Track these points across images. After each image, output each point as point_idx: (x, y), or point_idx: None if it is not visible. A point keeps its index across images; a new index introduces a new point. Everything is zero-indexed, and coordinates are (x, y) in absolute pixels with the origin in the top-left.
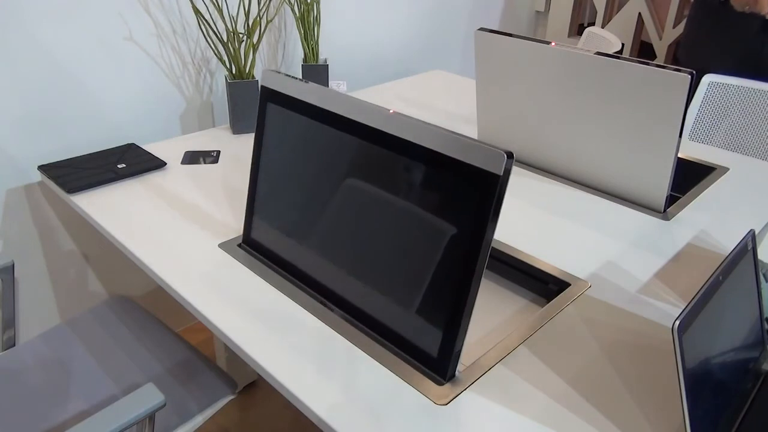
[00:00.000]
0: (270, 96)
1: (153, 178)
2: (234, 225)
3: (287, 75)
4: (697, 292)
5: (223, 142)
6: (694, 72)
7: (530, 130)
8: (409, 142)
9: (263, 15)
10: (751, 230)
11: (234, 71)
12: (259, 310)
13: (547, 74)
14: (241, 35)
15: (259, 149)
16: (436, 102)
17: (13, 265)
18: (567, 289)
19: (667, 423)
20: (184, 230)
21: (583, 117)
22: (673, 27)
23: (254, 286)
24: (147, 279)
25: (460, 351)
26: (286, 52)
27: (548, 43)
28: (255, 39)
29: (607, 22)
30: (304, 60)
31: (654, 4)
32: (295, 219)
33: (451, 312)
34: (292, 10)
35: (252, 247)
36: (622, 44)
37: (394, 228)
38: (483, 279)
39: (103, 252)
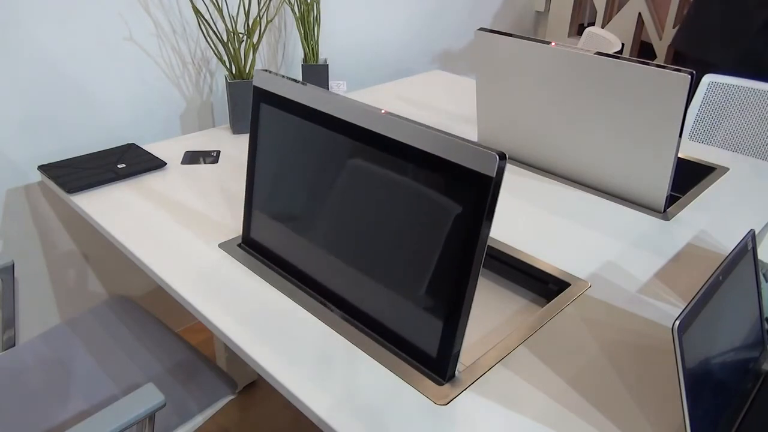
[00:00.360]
0: (263, 96)
1: (153, 178)
2: (234, 225)
3: (279, 75)
4: (697, 292)
5: (223, 142)
6: (694, 72)
7: (530, 130)
8: (401, 143)
9: (263, 15)
10: (751, 230)
11: (234, 71)
12: (259, 310)
13: (547, 74)
14: (241, 35)
15: (254, 149)
16: (436, 102)
17: (13, 265)
18: (567, 289)
19: (667, 423)
20: (184, 230)
21: (583, 117)
22: (673, 27)
23: (254, 286)
24: (147, 279)
25: (459, 351)
26: (286, 52)
27: (548, 43)
28: (255, 39)
29: (607, 22)
30: (304, 60)
31: (654, 4)
32: (292, 219)
33: (448, 312)
34: (292, 10)
35: (251, 246)
36: (622, 44)
37: (390, 228)
38: (483, 279)
39: (103, 252)
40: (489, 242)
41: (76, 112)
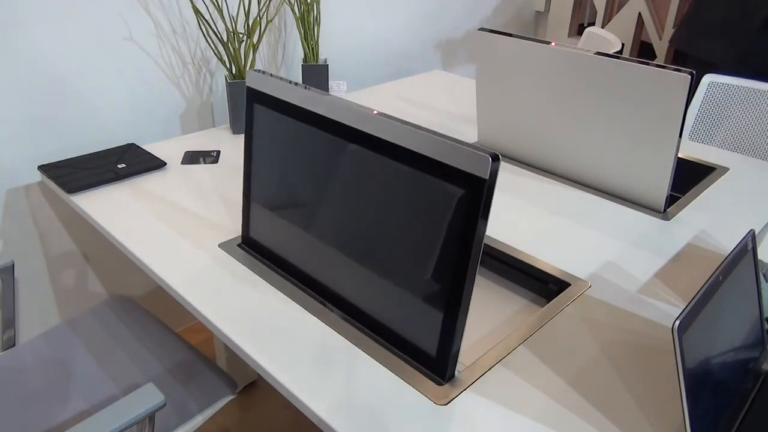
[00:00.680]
0: (256, 97)
1: (153, 178)
2: (234, 225)
3: (270, 75)
4: (697, 292)
5: (223, 142)
6: (694, 72)
7: (530, 130)
8: (394, 144)
9: (263, 15)
10: (751, 230)
11: (234, 71)
12: (259, 310)
13: (547, 74)
14: (241, 35)
15: (249, 149)
16: (436, 102)
17: (13, 265)
18: (567, 289)
19: (667, 423)
20: (184, 230)
21: (583, 117)
22: (673, 27)
23: (254, 286)
24: (147, 279)
25: (457, 352)
26: (286, 52)
27: (548, 43)
28: (255, 39)
29: (607, 22)
30: (304, 60)
31: (654, 4)
32: (289, 219)
33: (446, 313)
34: (292, 10)
35: (251, 246)
36: (622, 44)
37: (386, 228)
38: (483, 279)
39: (103, 252)
40: (489, 242)
41: (76, 112)
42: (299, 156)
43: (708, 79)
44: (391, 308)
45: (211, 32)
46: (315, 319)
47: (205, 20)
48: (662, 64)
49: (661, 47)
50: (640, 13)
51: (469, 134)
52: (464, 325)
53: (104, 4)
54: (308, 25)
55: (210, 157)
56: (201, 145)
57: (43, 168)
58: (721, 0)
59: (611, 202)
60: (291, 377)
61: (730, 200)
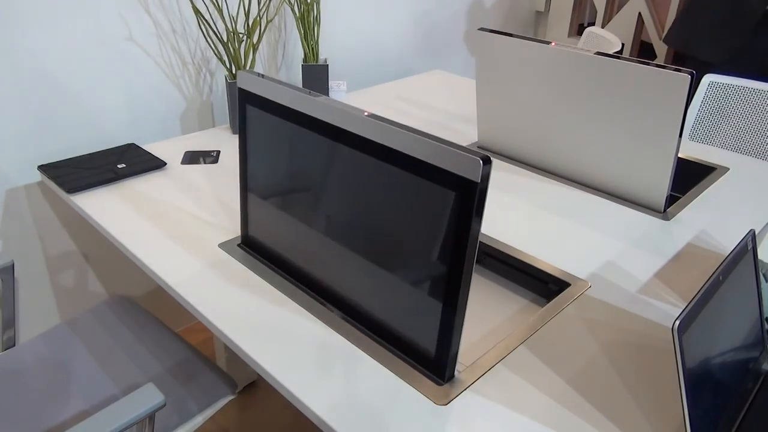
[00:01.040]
0: (247, 98)
1: (153, 178)
2: (233, 225)
3: (261, 76)
4: (697, 292)
5: (223, 142)
6: (694, 72)
7: (530, 130)
8: (385, 146)
9: (263, 15)
10: (751, 230)
11: (234, 71)
12: (259, 310)
13: (547, 74)
14: (241, 35)
15: (244, 150)
16: (436, 102)
17: (13, 265)
18: (567, 289)
19: (667, 423)
20: (184, 230)
21: (583, 117)
22: None
23: (254, 286)
24: (147, 279)
25: (456, 352)
26: (286, 52)
27: (548, 43)
28: (255, 39)
29: (607, 22)
30: (304, 60)
31: (654, 4)
32: (286, 218)
33: (444, 314)
34: (292, 10)
35: (250, 246)
36: (622, 44)
37: (380, 230)
38: (483, 279)
39: (103, 252)
40: (489, 242)
41: (76, 112)
42: (292, 156)
43: (708, 79)
44: (390, 308)
45: (211, 32)
46: (315, 319)
47: (205, 20)
48: (662, 64)
49: (661, 47)
50: (640, 13)
51: (469, 134)
52: (462, 326)
53: (104, 4)
54: (308, 25)
55: (210, 157)
56: (201, 145)
57: (43, 168)
58: (714, 0)
59: (611, 202)
60: (291, 377)
61: (730, 200)
